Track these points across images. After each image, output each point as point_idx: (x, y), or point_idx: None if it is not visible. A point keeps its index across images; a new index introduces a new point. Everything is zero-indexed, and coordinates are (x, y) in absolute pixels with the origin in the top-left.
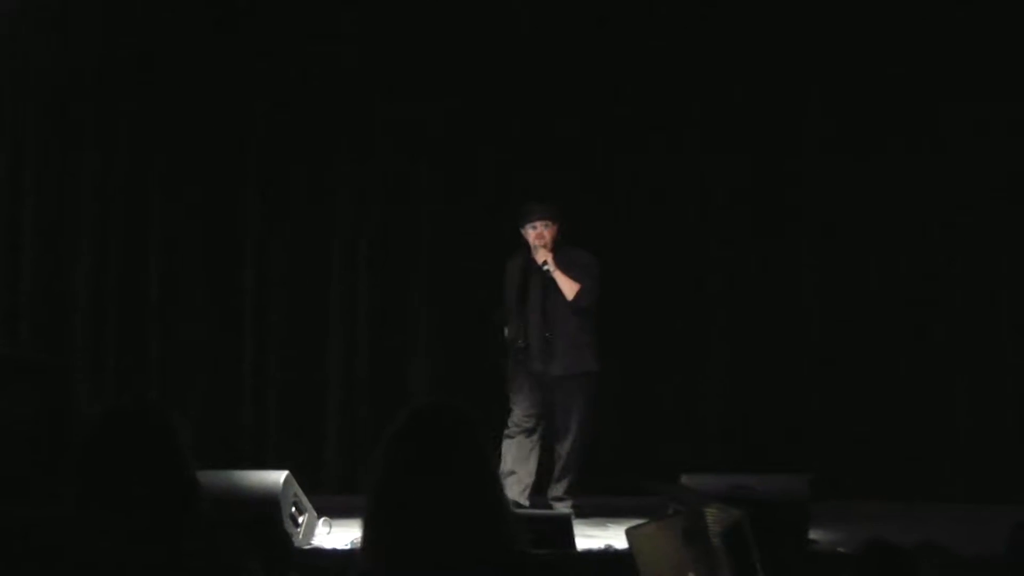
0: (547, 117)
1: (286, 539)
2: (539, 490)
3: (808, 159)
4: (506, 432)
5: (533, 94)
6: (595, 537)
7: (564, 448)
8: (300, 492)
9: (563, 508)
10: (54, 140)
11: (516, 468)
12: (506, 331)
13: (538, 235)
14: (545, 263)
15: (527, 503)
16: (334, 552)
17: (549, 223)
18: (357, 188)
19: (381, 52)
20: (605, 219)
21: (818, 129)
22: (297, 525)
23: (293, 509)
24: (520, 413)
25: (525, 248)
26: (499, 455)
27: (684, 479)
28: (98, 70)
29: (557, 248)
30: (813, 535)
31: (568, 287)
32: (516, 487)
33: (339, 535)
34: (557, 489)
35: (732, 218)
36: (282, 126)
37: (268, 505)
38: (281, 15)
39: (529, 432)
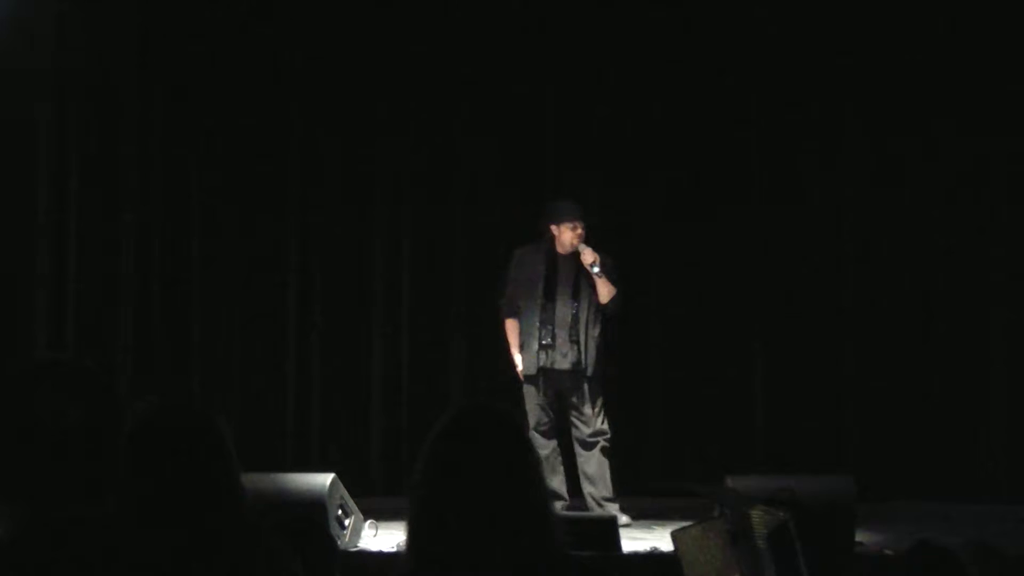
0: (582, 116)
1: (331, 542)
2: (576, 492)
3: (846, 170)
4: None
5: (565, 91)
6: (641, 539)
7: (596, 446)
8: (346, 494)
9: (614, 509)
10: (96, 133)
11: (552, 485)
12: (508, 322)
13: (578, 234)
14: (594, 263)
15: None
16: (380, 554)
17: (583, 223)
18: (395, 189)
19: (415, 46)
20: (639, 220)
21: (859, 141)
22: (343, 527)
23: (339, 511)
24: (533, 422)
25: (548, 243)
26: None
27: (729, 481)
28: (138, 62)
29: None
30: (859, 536)
31: (606, 290)
32: (559, 504)
33: (385, 537)
34: (604, 490)
35: (768, 221)
36: (320, 123)
37: (314, 507)
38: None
39: (549, 438)
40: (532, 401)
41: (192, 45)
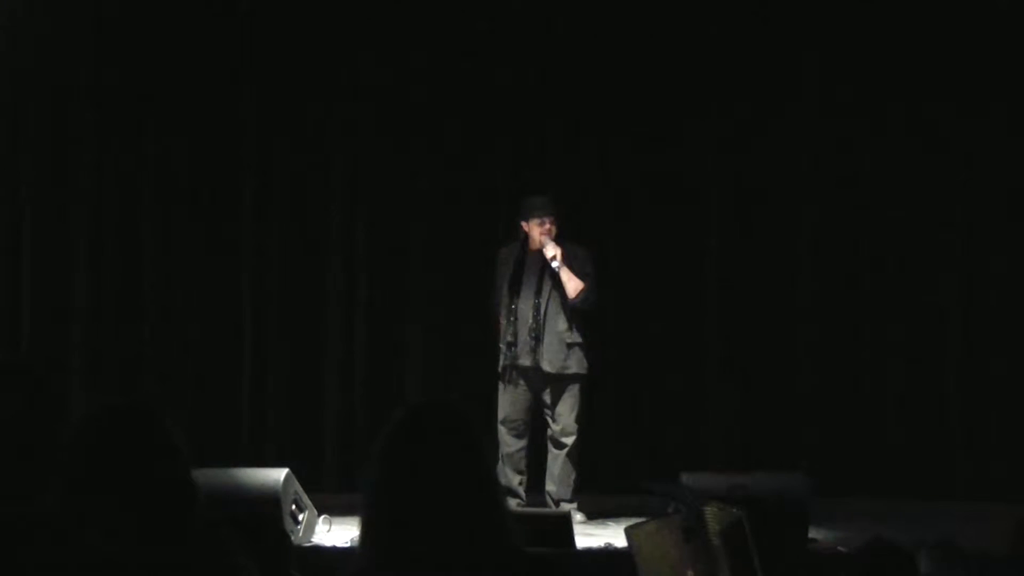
0: (549, 110)
1: (285, 537)
2: (536, 488)
3: (807, 157)
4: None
5: (532, 88)
6: (595, 535)
7: (566, 448)
8: (300, 490)
9: (569, 509)
10: (49, 141)
11: (512, 484)
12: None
13: (546, 230)
14: (554, 258)
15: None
16: (334, 550)
17: (554, 218)
18: (350, 185)
19: (378, 47)
20: (602, 214)
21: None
22: (297, 523)
23: (293, 507)
24: (501, 416)
25: (521, 240)
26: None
27: (684, 478)
28: (93, 72)
29: (558, 243)
30: (813, 534)
31: (572, 285)
32: (513, 500)
33: (339, 533)
34: (563, 491)
35: (728, 215)
36: (274, 123)
37: (268, 503)
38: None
39: (518, 436)
40: (502, 397)
41: (151, 43)
